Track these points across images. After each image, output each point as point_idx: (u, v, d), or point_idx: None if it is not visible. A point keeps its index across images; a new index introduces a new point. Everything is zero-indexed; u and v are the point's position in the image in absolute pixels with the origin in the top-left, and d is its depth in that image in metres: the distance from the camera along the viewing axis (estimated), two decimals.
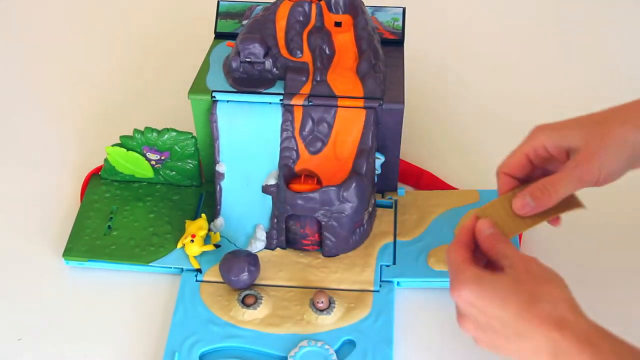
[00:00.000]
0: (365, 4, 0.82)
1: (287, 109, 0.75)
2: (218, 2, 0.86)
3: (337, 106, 0.75)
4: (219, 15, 0.85)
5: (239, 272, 0.72)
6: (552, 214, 0.65)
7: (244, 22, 0.84)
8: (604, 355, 0.54)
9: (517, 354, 0.58)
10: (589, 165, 0.61)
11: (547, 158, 0.65)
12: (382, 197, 0.81)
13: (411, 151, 0.87)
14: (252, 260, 0.72)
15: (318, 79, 0.75)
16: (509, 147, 0.88)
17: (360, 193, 0.72)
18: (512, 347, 0.58)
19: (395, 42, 0.83)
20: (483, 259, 0.63)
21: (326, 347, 0.69)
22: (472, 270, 0.60)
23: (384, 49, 0.81)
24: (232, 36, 0.83)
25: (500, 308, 0.57)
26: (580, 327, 0.55)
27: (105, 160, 0.81)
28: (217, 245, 0.76)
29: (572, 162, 0.62)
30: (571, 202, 0.65)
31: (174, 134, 0.78)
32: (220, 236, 0.77)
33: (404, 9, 0.84)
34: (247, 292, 0.73)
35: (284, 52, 0.77)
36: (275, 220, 0.75)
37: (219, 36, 0.84)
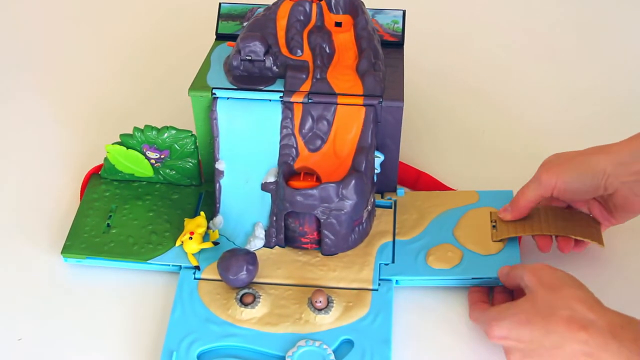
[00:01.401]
0: (366, 6, 0.82)
1: (287, 107, 0.75)
2: (220, 4, 0.86)
3: (336, 104, 0.75)
4: (220, 16, 0.85)
5: (237, 271, 0.71)
6: (559, 233, 0.73)
7: (245, 23, 0.85)
8: (626, 344, 0.59)
9: None
10: (549, 169, 0.71)
11: None
12: (382, 197, 0.81)
13: (411, 152, 0.87)
14: (251, 259, 0.72)
15: (318, 76, 0.76)
16: (508, 148, 0.89)
17: (359, 190, 0.72)
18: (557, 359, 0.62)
19: (395, 44, 0.83)
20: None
21: (324, 346, 0.68)
22: (493, 310, 0.67)
23: (384, 51, 0.81)
24: (233, 37, 0.83)
25: (529, 329, 0.63)
26: (602, 322, 0.60)
27: (105, 159, 0.81)
28: (215, 243, 0.76)
29: (541, 165, 0.73)
30: (593, 234, 0.73)
31: (173, 132, 0.78)
32: (219, 234, 0.77)
33: (404, 12, 0.85)
34: (245, 290, 0.72)
35: (284, 50, 0.78)
36: (274, 218, 0.75)
37: (220, 37, 0.85)
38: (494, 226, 0.77)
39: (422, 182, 0.84)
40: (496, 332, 0.65)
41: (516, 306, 0.65)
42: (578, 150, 0.72)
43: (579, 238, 0.73)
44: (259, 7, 0.86)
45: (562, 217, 0.74)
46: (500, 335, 0.64)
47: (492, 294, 0.73)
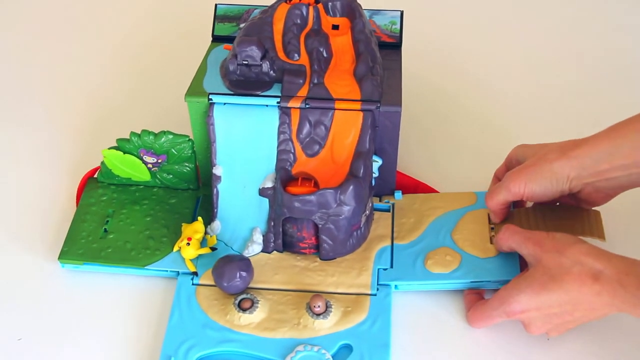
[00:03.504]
0: (363, 7, 0.82)
1: (284, 112, 0.75)
2: (216, 5, 0.86)
3: (334, 109, 0.74)
4: (216, 18, 0.85)
5: (231, 278, 0.71)
6: (559, 231, 0.70)
7: (242, 25, 0.84)
8: (632, 289, 0.61)
9: (587, 317, 0.65)
10: (517, 177, 0.71)
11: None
12: (380, 200, 0.80)
13: (409, 156, 0.87)
14: (244, 265, 0.71)
15: (315, 81, 0.75)
16: (506, 151, 0.88)
17: (357, 196, 0.71)
18: (579, 314, 0.65)
19: (393, 46, 0.83)
20: None
21: (323, 351, 0.68)
22: (502, 289, 0.68)
23: (382, 52, 0.81)
24: (229, 39, 0.83)
25: (546, 294, 0.65)
26: (609, 271, 0.63)
27: (102, 163, 0.81)
28: (213, 248, 0.76)
29: (509, 172, 0.73)
30: (593, 228, 0.74)
31: (170, 136, 0.77)
32: (217, 239, 0.76)
33: (402, 12, 0.84)
34: (243, 296, 0.72)
35: (281, 54, 0.77)
36: (272, 223, 0.75)
37: (217, 39, 0.84)
38: (492, 228, 0.77)
39: (421, 192, 0.83)
40: (516, 307, 0.66)
41: (527, 278, 0.66)
42: (541, 149, 0.72)
43: (579, 236, 0.73)
44: (255, 8, 0.85)
45: (559, 215, 0.74)
46: (521, 309, 0.66)
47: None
